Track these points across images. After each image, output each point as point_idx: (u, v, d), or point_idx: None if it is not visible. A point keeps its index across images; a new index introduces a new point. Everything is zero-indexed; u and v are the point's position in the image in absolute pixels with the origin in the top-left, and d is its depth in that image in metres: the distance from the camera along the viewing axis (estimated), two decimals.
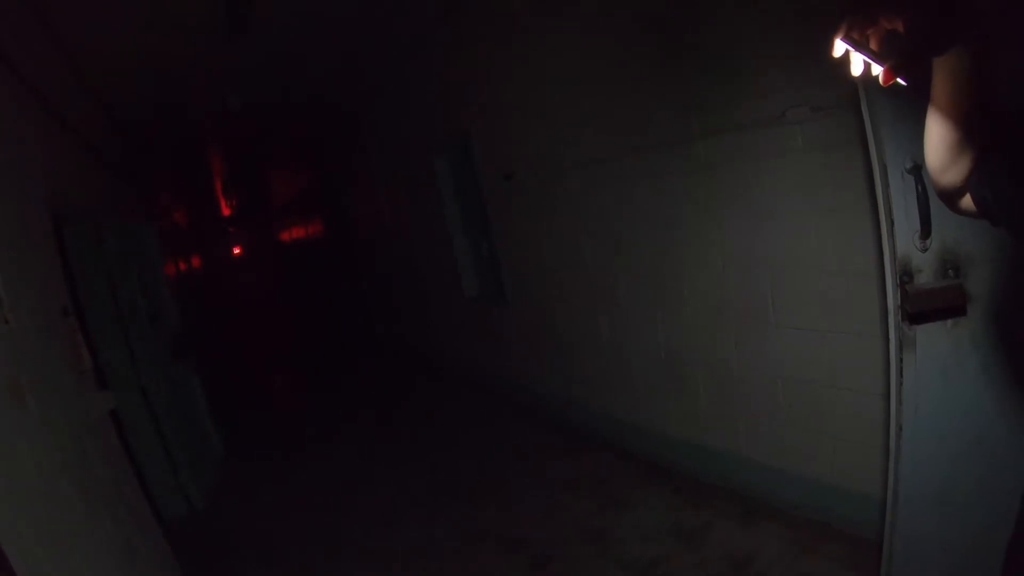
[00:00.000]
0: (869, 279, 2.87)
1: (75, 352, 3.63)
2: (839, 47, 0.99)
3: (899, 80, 0.95)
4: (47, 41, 4.19)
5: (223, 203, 16.64)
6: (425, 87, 6.53)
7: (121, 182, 6.70)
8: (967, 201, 1.17)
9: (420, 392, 7.94)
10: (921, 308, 1.99)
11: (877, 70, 0.96)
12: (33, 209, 3.47)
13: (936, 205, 1.91)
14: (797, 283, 3.29)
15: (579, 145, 4.54)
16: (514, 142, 5.29)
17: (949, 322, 2.01)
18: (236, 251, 20.15)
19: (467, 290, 7.01)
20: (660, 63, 3.69)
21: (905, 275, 2.04)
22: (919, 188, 1.94)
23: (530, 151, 5.11)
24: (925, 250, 2.00)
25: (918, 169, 1.94)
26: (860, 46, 0.98)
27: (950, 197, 1.20)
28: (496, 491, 4.68)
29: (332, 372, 10.16)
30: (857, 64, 1.00)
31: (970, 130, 1.08)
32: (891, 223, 2.05)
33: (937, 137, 1.13)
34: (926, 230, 1.97)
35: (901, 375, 2.14)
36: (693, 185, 3.71)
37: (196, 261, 15.07)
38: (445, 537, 4.16)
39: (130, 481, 3.81)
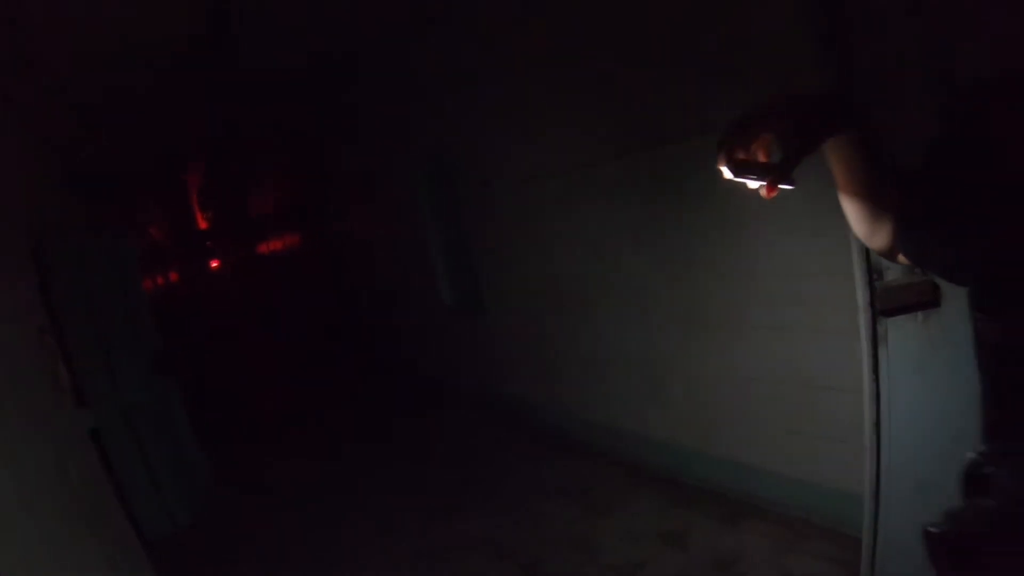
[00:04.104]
0: (843, 279, 2.90)
1: (53, 370, 3.61)
2: (726, 173, 1.03)
3: (784, 187, 1.00)
4: (25, 62, 4.16)
5: (207, 217, 16.54)
6: (406, 101, 6.53)
7: (100, 198, 6.65)
8: (903, 257, 1.21)
9: (406, 403, 7.91)
10: (891, 305, 2.02)
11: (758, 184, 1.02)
12: (9, 227, 3.45)
13: None
14: (772, 285, 3.32)
15: (555, 154, 4.57)
16: (492, 152, 5.31)
17: (920, 316, 2.04)
18: (217, 264, 19.98)
19: (447, 299, 7.01)
20: (635, 69, 3.73)
21: (875, 272, 2.07)
22: None
23: (507, 161, 5.13)
24: None
25: None
26: (740, 169, 1.02)
27: (887, 256, 1.24)
28: (483, 499, 4.68)
29: (316, 381, 10.13)
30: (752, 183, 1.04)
31: (878, 200, 1.12)
32: None
33: (851, 213, 1.18)
34: None
35: (875, 372, 2.17)
36: (669, 190, 3.75)
37: (182, 276, 14.95)
38: (435, 545, 4.16)
39: (112, 500, 3.79)
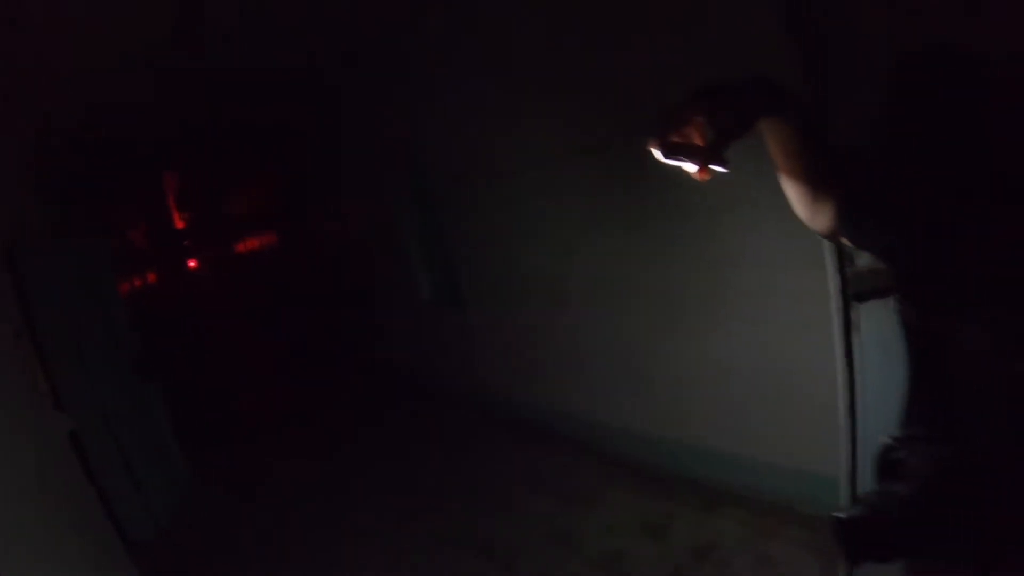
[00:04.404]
0: (818, 269, 2.95)
1: (30, 375, 3.59)
2: (657, 155, 1.05)
3: (716, 168, 1.03)
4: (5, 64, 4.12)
5: (189, 217, 16.41)
6: (384, 97, 6.51)
7: (76, 200, 6.59)
8: (845, 239, 1.24)
9: (391, 400, 7.89)
10: (861, 290, 2.06)
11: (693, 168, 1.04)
12: None
13: None
14: (751, 275, 3.35)
15: (532, 148, 4.57)
16: (468, 146, 5.33)
17: (891, 301, 2.08)
18: (195, 264, 19.82)
19: (425, 294, 7.01)
20: (614, 61, 3.73)
21: (846, 259, 2.12)
22: None
23: (484, 154, 5.15)
24: None
25: None
26: (672, 151, 1.04)
27: (830, 237, 1.27)
28: (464, 494, 4.70)
29: (305, 381, 10.11)
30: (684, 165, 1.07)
31: (818, 181, 1.15)
32: None
33: (792, 193, 1.22)
34: None
35: (848, 357, 2.22)
36: (647, 182, 3.76)
37: (171, 276, 14.83)
38: (416, 543, 4.17)
39: (93, 501, 3.77)
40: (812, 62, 2.23)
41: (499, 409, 6.04)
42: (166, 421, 6.01)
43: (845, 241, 1.22)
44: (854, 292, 2.09)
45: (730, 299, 3.51)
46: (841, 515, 1.07)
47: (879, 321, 2.13)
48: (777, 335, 3.32)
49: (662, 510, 3.82)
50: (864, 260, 2.09)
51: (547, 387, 5.32)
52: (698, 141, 1.06)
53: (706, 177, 1.03)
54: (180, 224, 17.15)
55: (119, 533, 4.00)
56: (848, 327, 2.20)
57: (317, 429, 7.35)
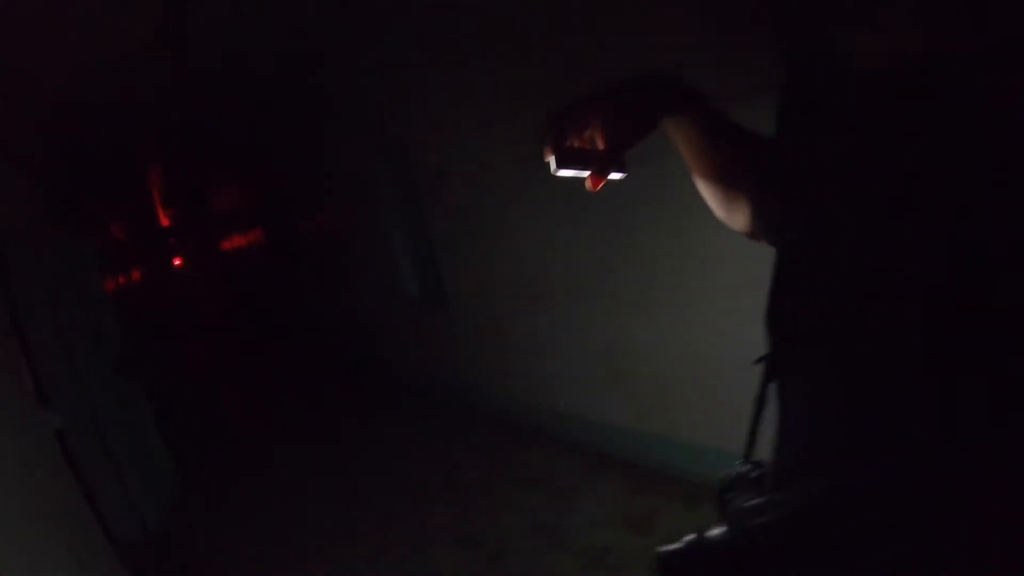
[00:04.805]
0: None
1: (17, 373, 3.59)
2: (552, 165, 0.96)
3: (612, 177, 0.95)
4: None
5: (176, 216, 16.36)
6: (367, 94, 6.50)
7: (61, 199, 6.56)
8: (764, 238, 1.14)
9: (367, 396, 7.94)
10: None
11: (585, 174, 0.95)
12: None
13: None
14: (726, 270, 3.38)
15: (512, 143, 4.57)
16: (448, 142, 5.38)
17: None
18: (181, 262, 19.76)
19: (410, 292, 7.02)
20: (596, 56, 3.73)
21: None
22: None
23: (464, 151, 5.20)
24: None
25: None
26: (567, 159, 0.95)
27: (750, 237, 1.19)
28: (448, 490, 4.74)
29: (290, 381, 10.11)
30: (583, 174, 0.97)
31: (729, 180, 1.10)
32: None
33: (706, 194, 1.17)
34: None
35: None
36: (625, 177, 3.78)
37: (154, 275, 14.80)
38: (402, 539, 4.20)
39: (80, 503, 3.77)
40: (809, 69, 2.24)
41: (484, 406, 6.08)
42: (152, 420, 5.99)
43: (764, 242, 1.11)
44: None
45: (714, 294, 3.53)
46: (662, 550, 0.98)
47: None
48: (758, 328, 3.34)
49: (646, 504, 3.86)
50: None
51: (531, 383, 5.35)
52: (601, 145, 0.98)
53: (600, 185, 0.95)
54: (168, 222, 17.10)
55: (106, 533, 4.01)
56: None
57: (305, 428, 7.36)
